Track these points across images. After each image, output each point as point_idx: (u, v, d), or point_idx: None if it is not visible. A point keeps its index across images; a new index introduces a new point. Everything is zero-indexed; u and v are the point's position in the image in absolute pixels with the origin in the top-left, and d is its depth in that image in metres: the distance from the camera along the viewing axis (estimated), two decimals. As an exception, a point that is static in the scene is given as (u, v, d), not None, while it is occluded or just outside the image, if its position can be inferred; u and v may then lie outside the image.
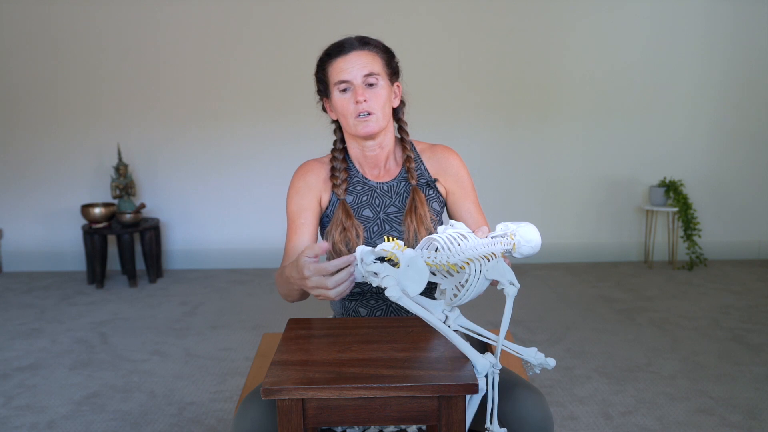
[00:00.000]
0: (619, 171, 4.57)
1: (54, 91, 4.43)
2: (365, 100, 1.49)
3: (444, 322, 1.29)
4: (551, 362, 1.29)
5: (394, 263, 1.16)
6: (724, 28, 4.42)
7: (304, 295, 1.45)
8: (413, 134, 1.67)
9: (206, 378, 2.80)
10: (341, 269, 1.20)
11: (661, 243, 4.58)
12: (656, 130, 4.52)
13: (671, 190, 4.34)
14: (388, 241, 1.17)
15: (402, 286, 1.11)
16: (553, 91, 4.48)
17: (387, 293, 1.09)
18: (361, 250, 1.17)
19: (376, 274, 1.14)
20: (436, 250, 1.22)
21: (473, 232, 1.26)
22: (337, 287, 1.20)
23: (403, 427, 1.42)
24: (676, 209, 4.34)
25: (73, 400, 2.61)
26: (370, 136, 1.54)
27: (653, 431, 2.32)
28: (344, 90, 1.51)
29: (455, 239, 1.21)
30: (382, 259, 1.22)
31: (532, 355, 1.28)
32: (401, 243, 1.16)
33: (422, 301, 1.26)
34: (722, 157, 4.56)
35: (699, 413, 2.43)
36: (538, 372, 1.31)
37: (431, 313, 1.30)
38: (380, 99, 1.51)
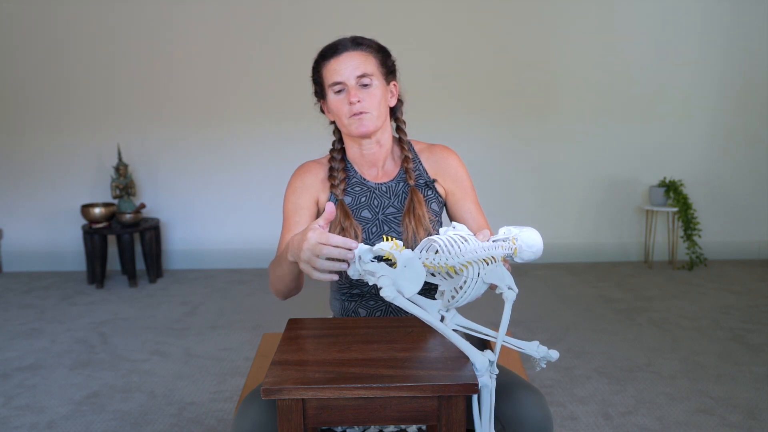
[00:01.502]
0: (619, 171, 4.57)
1: (54, 92, 4.43)
2: (359, 101, 1.49)
3: (440, 321, 1.30)
4: (554, 354, 1.29)
5: (391, 263, 1.16)
6: (723, 28, 4.42)
7: (294, 282, 1.42)
8: (412, 134, 1.67)
9: (206, 378, 2.80)
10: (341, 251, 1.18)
11: (661, 243, 4.58)
12: (656, 130, 4.52)
13: (671, 190, 4.34)
14: (387, 240, 1.17)
15: (398, 287, 1.11)
16: (553, 91, 4.48)
17: (382, 293, 1.09)
18: (360, 248, 1.17)
19: (372, 273, 1.13)
20: (436, 252, 1.22)
21: (475, 235, 1.26)
22: (326, 261, 1.17)
23: (403, 427, 1.43)
24: (676, 209, 4.34)
25: (73, 400, 2.61)
26: (366, 135, 1.54)
27: (653, 431, 2.32)
28: (339, 91, 1.51)
29: (456, 241, 1.21)
30: (380, 258, 1.22)
31: (534, 349, 1.28)
32: (400, 243, 1.16)
33: (419, 300, 1.26)
34: (722, 157, 4.56)
35: (699, 413, 2.43)
36: (544, 366, 1.30)
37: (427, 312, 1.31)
38: (374, 99, 1.51)
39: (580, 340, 3.16)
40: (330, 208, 1.23)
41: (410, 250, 1.17)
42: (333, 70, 1.51)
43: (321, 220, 1.22)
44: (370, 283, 1.14)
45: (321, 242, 1.17)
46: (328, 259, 1.19)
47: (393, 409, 1.11)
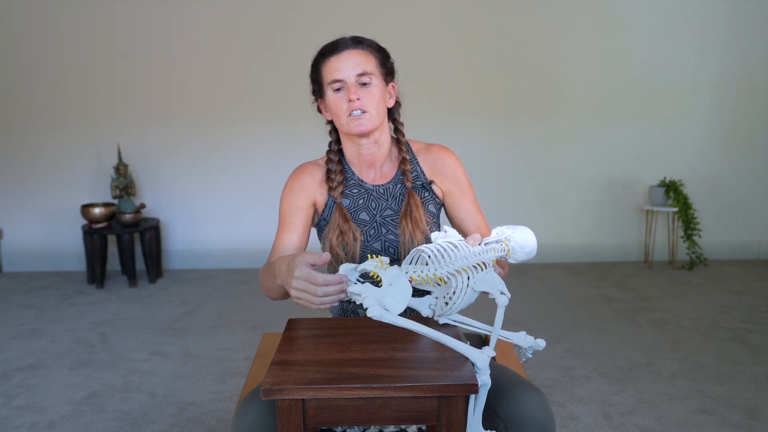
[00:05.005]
0: (619, 171, 4.57)
1: (54, 92, 4.43)
2: (358, 99, 1.48)
3: (433, 317, 1.31)
4: (541, 343, 1.29)
5: (377, 281, 1.16)
6: (722, 27, 4.42)
7: (285, 294, 1.43)
8: (411, 134, 1.66)
9: (206, 378, 2.80)
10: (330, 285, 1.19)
11: (661, 243, 4.58)
12: (656, 129, 4.52)
13: (671, 190, 4.34)
14: (372, 258, 1.16)
15: (384, 305, 1.11)
16: (553, 91, 4.48)
17: (368, 313, 1.09)
18: (345, 268, 1.17)
19: (358, 294, 1.13)
20: (426, 264, 1.21)
21: (465, 239, 1.26)
22: (323, 298, 1.19)
23: (403, 427, 1.43)
24: (676, 209, 4.34)
25: (73, 400, 2.61)
26: (364, 134, 1.53)
27: (653, 431, 2.32)
28: (338, 89, 1.51)
29: (445, 250, 1.20)
30: (367, 276, 1.22)
31: (522, 338, 1.29)
32: (385, 260, 1.16)
33: (410, 302, 1.26)
34: (722, 157, 4.56)
35: (699, 413, 2.43)
36: (530, 356, 1.32)
37: (419, 313, 1.31)
38: (374, 98, 1.50)
39: (580, 340, 3.16)
40: (326, 257, 1.23)
41: (396, 266, 1.16)
42: (333, 67, 1.50)
43: (310, 258, 1.21)
44: (357, 303, 1.14)
45: (309, 281, 1.18)
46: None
47: (393, 409, 1.11)
